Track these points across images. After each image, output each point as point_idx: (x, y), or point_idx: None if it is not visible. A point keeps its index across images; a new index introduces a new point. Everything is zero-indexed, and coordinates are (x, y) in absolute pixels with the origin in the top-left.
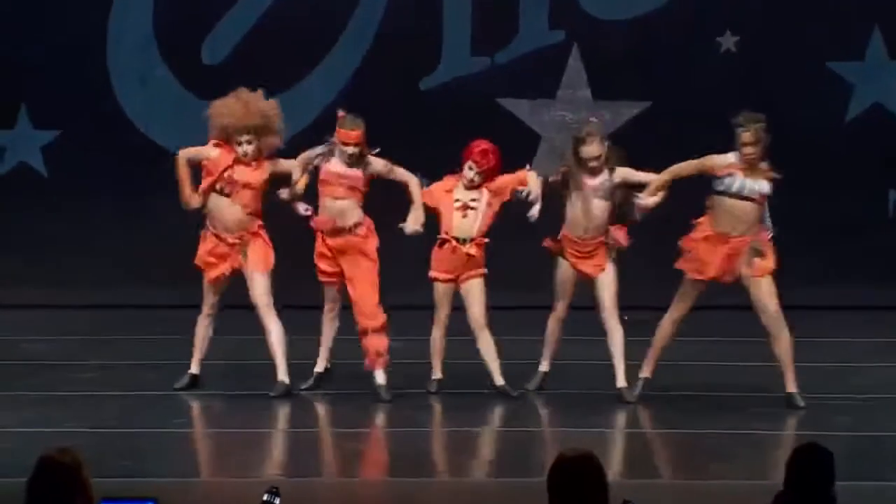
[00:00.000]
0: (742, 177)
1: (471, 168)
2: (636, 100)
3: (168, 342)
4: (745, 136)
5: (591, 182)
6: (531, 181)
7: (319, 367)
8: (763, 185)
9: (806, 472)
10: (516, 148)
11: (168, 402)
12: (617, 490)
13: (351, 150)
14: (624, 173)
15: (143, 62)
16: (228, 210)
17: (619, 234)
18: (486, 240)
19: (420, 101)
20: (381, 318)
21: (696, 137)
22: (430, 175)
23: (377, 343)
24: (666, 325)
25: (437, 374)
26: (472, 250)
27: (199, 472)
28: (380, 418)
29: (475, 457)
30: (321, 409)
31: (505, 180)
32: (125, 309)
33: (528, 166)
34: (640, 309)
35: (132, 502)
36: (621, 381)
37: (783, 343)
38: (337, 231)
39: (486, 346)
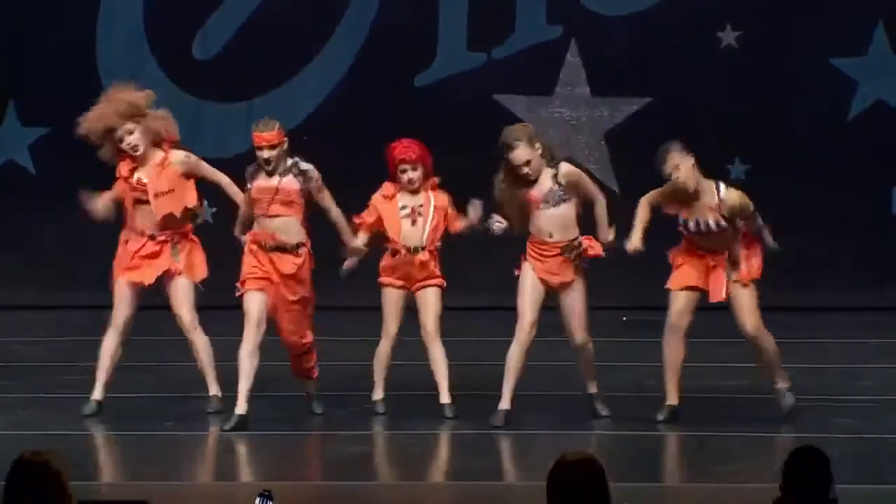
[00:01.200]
0: (684, 215)
1: (403, 170)
2: (636, 96)
3: (158, 343)
4: (665, 168)
5: (536, 194)
6: (473, 212)
7: (241, 410)
8: (710, 223)
9: (801, 476)
10: None
11: (160, 404)
12: (617, 493)
13: (266, 153)
14: (572, 175)
15: (133, 59)
16: (151, 216)
17: (591, 244)
18: (438, 244)
19: (415, 97)
20: (307, 338)
21: (697, 134)
22: None
23: (304, 361)
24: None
25: (378, 393)
26: (425, 257)
27: (192, 475)
28: (373, 422)
29: (471, 459)
30: (313, 411)
31: (446, 200)
32: None
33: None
34: (641, 310)
35: None
36: (592, 388)
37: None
38: (278, 247)
39: (437, 358)
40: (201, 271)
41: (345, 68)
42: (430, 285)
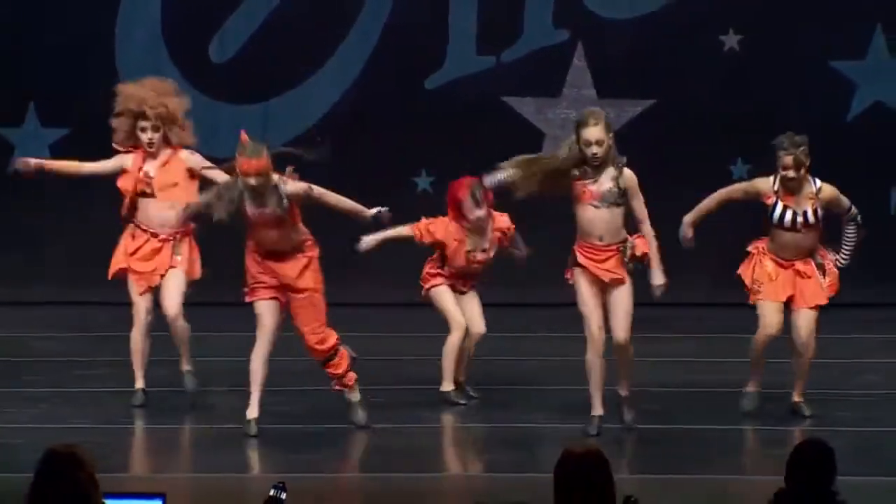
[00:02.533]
0: (782, 205)
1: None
2: (640, 98)
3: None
4: (787, 159)
5: (593, 189)
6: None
7: (254, 413)
8: (808, 214)
9: (807, 469)
10: (521, 145)
11: (177, 398)
12: (620, 485)
13: (253, 181)
14: (632, 182)
15: (151, 61)
16: (155, 209)
17: (640, 242)
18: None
19: (426, 99)
20: (328, 342)
21: (700, 135)
22: (436, 172)
23: (332, 368)
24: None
25: (449, 384)
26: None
27: (208, 467)
28: (385, 415)
29: (481, 452)
30: (326, 404)
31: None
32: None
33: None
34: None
35: (141, 498)
36: (623, 390)
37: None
38: (275, 254)
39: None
40: (196, 271)
41: (357, 70)
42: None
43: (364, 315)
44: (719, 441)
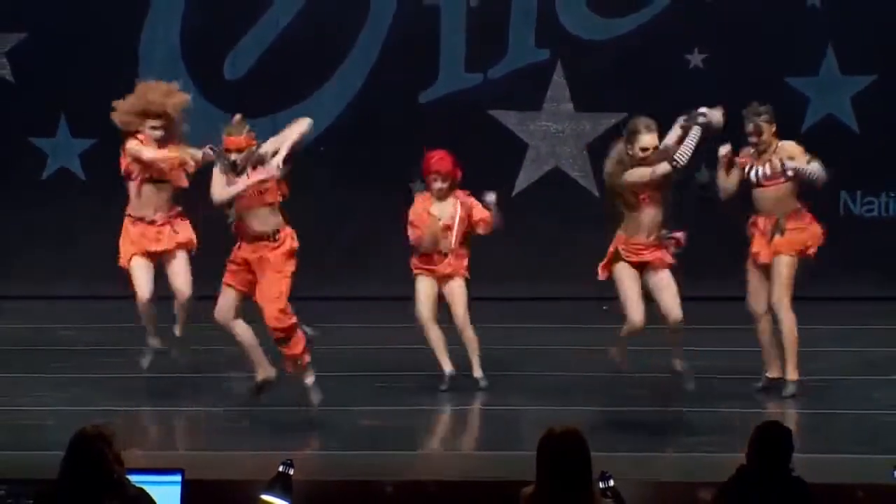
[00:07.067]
0: (751, 165)
1: (436, 179)
2: (614, 111)
3: (191, 329)
4: (748, 127)
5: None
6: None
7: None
8: (767, 169)
9: (766, 448)
10: (505, 155)
11: (191, 383)
12: (597, 461)
13: (234, 156)
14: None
15: (170, 77)
16: (157, 195)
17: (679, 234)
18: (465, 252)
19: (419, 112)
20: (286, 322)
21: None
22: None
23: (288, 349)
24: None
25: (447, 367)
26: (453, 261)
27: (223, 445)
28: (381, 398)
29: (470, 432)
30: (330, 390)
31: (477, 212)
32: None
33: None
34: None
35: (161, 473)
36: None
37: (782, 329)
38: (257, 237)
39: (470, 342)
40: (194, 241)
41: (358, 87)
42: (455, 277)
43: (367, 307)
44: (687, 422)
